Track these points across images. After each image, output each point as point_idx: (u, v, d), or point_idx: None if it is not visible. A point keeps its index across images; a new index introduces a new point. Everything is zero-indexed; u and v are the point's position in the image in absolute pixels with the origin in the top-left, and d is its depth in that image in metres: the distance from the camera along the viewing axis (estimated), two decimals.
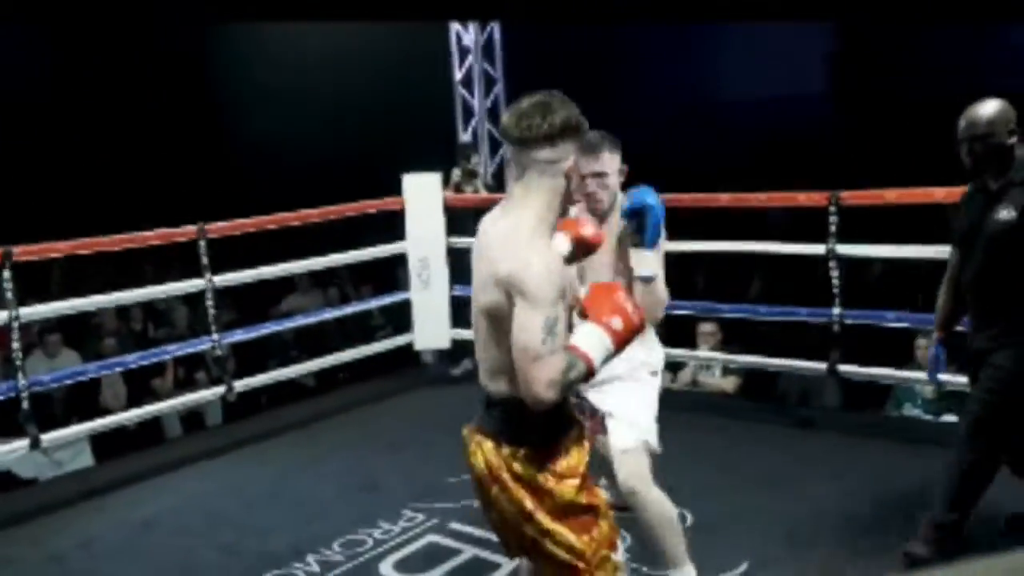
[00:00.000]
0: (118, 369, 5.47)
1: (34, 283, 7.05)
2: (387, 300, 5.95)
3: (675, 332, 5.48)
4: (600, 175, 2.73)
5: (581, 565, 1.97)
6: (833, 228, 4.22)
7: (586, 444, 2.07)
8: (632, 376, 2.81)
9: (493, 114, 6.32)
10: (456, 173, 5.69)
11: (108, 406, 6.18)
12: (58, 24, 10.14)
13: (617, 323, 1.92)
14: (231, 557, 3.50)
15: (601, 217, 2.75)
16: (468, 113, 6.29)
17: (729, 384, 5.37)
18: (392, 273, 7.25)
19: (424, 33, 6.91)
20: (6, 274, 4.03)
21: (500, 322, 1.87)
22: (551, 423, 1.97)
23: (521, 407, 1.89)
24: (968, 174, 2.95)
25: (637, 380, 2.82)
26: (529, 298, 1.81)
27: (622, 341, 1.93)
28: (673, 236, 4.80)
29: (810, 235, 4.48)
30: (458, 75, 6.15)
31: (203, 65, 12.08)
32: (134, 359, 4.99)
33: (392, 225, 5.67)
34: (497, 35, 6.23)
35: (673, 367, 5.64)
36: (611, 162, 2.73)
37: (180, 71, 11.75)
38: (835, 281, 4.28)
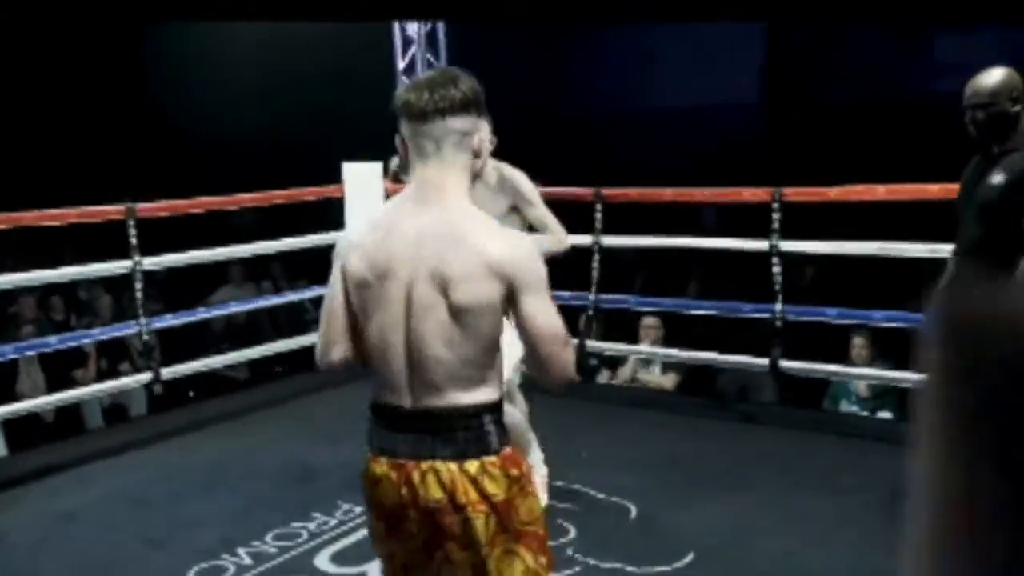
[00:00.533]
0: (37, 351, 5.23)
1: None
2: (321, 291, 5.80)
3: (617, 327, 5.48)
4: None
5: None
6: (776, 224, 4.24)
7: None
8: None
9: None
10: (394, 162, 5.58)
11: (25, 396, 5.89)
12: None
13: None
14: (158, 551, 3.34)
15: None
16: None
17: (669, 381, 5.37)
18: (328, 267, 7.08)
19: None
20: None
21: (482, 317, 1.68)
22: (500, 415, 1.78)
23: (486, 410, 1.73)
24: (972, 143, 2.95)
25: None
26: (541, 288, 1.71)
27: None
28: (616, 231, 4.84)
29: (746, 234, 4.52)
30: (401, 64, 6.05)
31: (141, 50, 11.77)
32: (56, 341, 4.77)
33: (330, 218, 5.55)
34: (441, 25, 6.16)
35: (613, 363, 5.63)
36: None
37: (118, 57, 11.43)
38: (776, 277, 4.30)
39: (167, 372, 4.78)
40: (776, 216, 4.23)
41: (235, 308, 5.88)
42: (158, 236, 4.95)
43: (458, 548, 1.74)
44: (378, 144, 5.62)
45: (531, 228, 3.16)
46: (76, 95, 11.09)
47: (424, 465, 1.72)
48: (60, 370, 6.26)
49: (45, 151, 10.70)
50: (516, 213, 3.15)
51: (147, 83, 11.89)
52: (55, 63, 11.24)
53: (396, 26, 6.14)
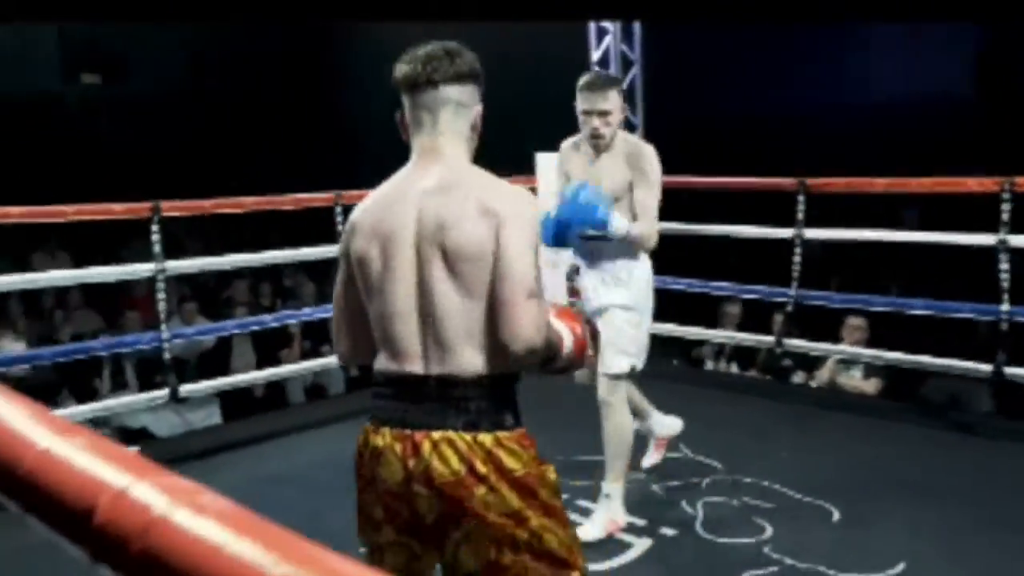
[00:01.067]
0: (252, 329, 5.58)
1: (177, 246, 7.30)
2: None
3: (812, 327, 5.21)
4: (604, 113, 2.99)
5: (573, 559, 1.67)
6: (1006, 216, 3.89)
7: None
8: (616, 300, 3.11)
9: (629, 96, 6.14)
10: None
11: (238, 371, 6.31)
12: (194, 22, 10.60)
13: (569, 339, 1.75)
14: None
15: (602, 151, 3.06)
16: None
17: (871, 386, 5.04)
18: None
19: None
20: (154, 227, 4.12)
21: (480, 262, 1.60)
22: (514, 394, 1.68)
23: (500, 382, 1.62)
24: None
25: (623, 306, 3.11)
26: (526, 231, 1.61)
27: (565, 354, 1.75)
28: (819, 223, 4.61)
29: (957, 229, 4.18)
30: (595, 55, 6.00)
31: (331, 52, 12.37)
32: (270, 319, 5.08)
33: None
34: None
35: (809, 364, 5.36)
36: (615, 100, 2.99)
37: (305, 59, 12.08)
38: (1004, 275, 3.94)
39: None
40: (1007, 208, 3.88)
41: None
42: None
43: (481, 524, 1.59)
44: (571, 133, 5.62)
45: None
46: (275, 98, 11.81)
47: (436, 435, 1.60)
48: (268, 349, 6.68)
49: (253, 143, 11.45)
50: (631, 189, 3.04)
51: (336, 79, 12.50)
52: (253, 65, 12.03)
53: (592, 33, 6.11)
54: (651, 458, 3.74)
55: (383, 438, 1.65)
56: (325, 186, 4.78)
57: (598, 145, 3.05)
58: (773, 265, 5.02)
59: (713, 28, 8.28)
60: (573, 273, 3.27)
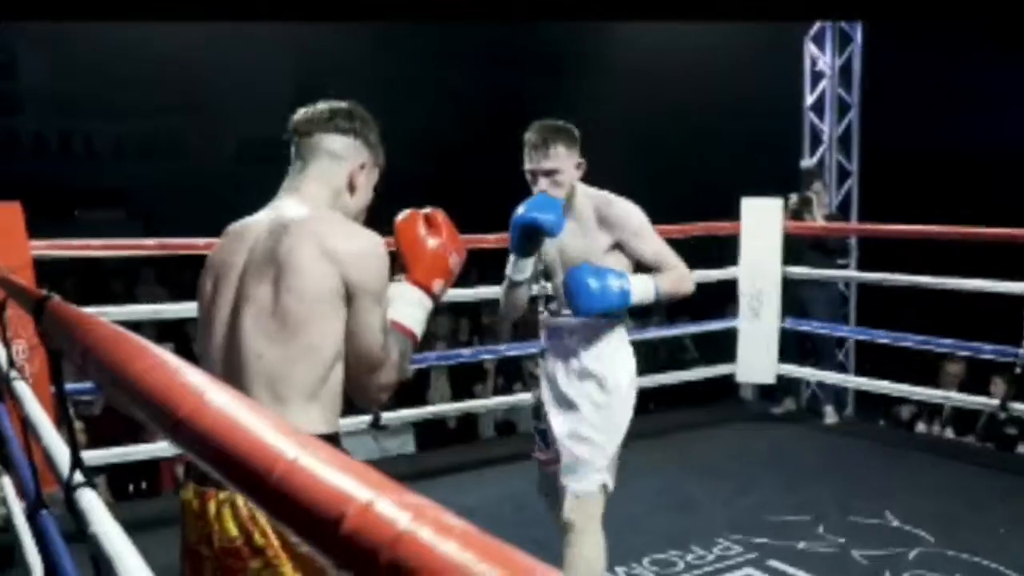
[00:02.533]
0: (449, 362, 5.76)
1: None
2: (711, 326, 5.74)
3: None
4: (550, 172, 2.52)
5: None
6: None
7: None
8: (585, 396, 2.57)
9: (844, 142, 5.92)
10: (793, 199, 5.40)
11: (433, 403, 6.53)
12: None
13: (439, 286, 1.73)
14: (542, 552, 3.45)
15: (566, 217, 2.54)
16: (816, 139, 5.96)
17: None
18: (709, 302, 7.05)
19: (776, 52, 6.68)
20: None
21: (309, 308, 1.50)
22: None
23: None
24: None
25: (594, 404, 2.57)
26: (372, 291, 1.53)
27: (443, 293, 1.74)
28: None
29: None
30: (809, 99, 5.84)
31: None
32: (468, 354, 5.23)
33: (724, 255, 5.50)
34: (857, 60, 5.84)
35: None
36: (564, 158, 2.53)
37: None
38: None
39: None
40: None
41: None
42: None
43: None
44: (779, 180, 5.47)
45: (639, 267, 2.60)
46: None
47: (222, 495, 1.48)
48: (463, 383, 6.88)
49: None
50: (620, 250, 2.58)
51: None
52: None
53: (807, 59, 5.95)
54: None
55: (187, 492, 1.57)
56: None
57: None
58: (1000, 321, 4.66)
59: (936, 74, 7.85)
60: (539, 357, 2.76)
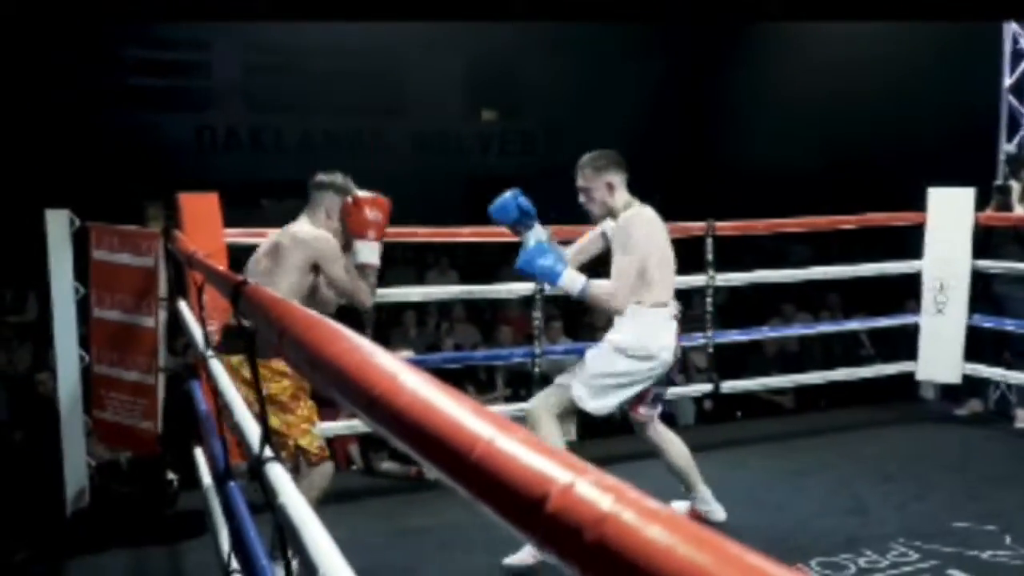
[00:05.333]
0: None
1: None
2: (890, 321, 5.47)
3: None
4: (583, 190, 3.33)
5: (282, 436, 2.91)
6: None
7: None
8: (597, 347, 3.40)
9: None
10: (1017, 189, 5.02)
11: None
12: None
13: (372, 234, 3.21)
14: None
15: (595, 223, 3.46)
16: (1015, 124, 5.53)
17: None
18: (887, 297, 6.71)
19: (970, 34, 6.26)
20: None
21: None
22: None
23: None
24: None
25: (598, 349, 3.38)
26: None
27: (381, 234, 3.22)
28: None
29: None
30: (1007, 80, 5.42)
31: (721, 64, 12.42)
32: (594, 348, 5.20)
33: (906, 246, 5.22)
34: None
35: None
36: (590, 177, 3.31)
37: (697, 72, 12.23)
38: None
39: (727, 386, 4.91)
40: None
41: (795, 331, 5.85)
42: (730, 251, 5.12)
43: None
44: (969, 169, 5.14)
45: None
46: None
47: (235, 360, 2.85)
48: None
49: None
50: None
51: (710, 114, 12.51)
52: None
53: (1007, 38, 5.52)
54: (679, 505, 3.65)
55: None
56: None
57: (594, 219, 3.42)
58: None
59: None
60: None
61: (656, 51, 12.60)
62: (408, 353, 6.50)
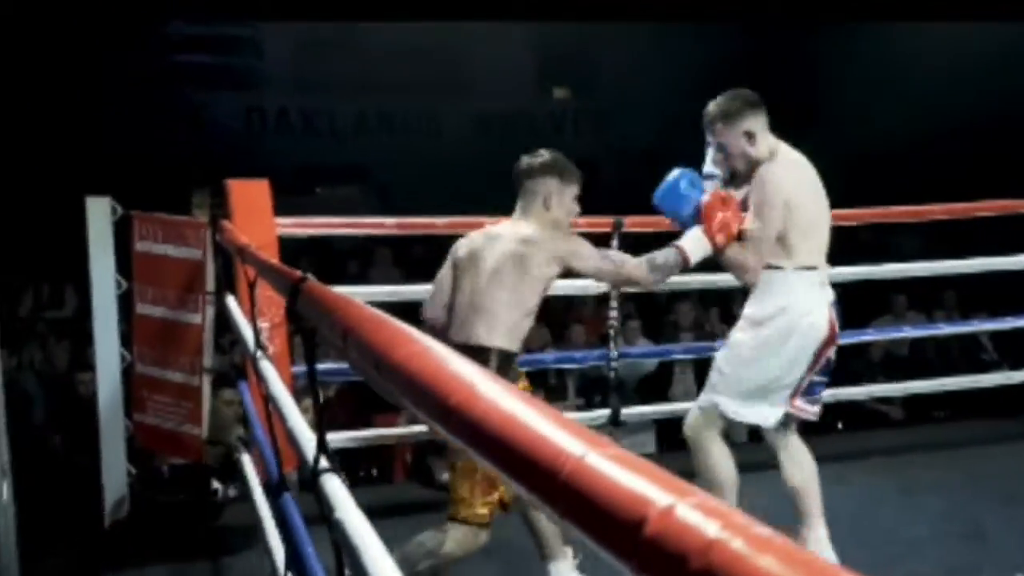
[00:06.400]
0: (695, 356, 5.73)
1: None
2: (1016, 323, 5.32)
3: None
4: (718, 147, 3.16)
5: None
6: None
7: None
8: (726, 344, 3.23)
9: None
10: None
11: (677, 399, 6.49)
12: None
13: (721, 238, 3.04)
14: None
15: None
16: None
17: None
18: (1014, 295, 6.54)
19: None
20: (614, 243, 4.31)
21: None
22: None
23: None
24: None
25: (732, 340, 3.18)
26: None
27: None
28: None
29: None
30: None
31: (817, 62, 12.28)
32: (719, 345, 5.14)
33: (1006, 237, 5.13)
34: None
35: None
36: (726, 132, 3.11)
37: (794, 67, 12.11)
38: None
39: (826, 394, 4.81)
40: None
41: (900, 333, 5.74)
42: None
43: None
44: None
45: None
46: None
47: None
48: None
49: None
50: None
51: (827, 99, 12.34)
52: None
53: None
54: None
55: None
56: None
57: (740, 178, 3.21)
58: None
59: None
60: None
61: (737, 22, 12.50)
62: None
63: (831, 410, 5.90)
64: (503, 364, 2.80)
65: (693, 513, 0.44)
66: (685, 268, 3.07)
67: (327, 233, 4.61)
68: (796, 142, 3.23)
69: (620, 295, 4.54)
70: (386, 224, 4.47)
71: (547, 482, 0.54)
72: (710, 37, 12.79)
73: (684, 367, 6.75)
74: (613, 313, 4.52)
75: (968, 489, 4.25)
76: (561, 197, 2.99)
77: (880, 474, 4.54)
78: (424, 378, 0.81)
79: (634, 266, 3.01)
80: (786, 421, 3.23)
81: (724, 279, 5.27)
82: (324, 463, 1.62)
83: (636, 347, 6.51)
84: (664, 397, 6.29)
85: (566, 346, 6.98)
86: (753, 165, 3.10)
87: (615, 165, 12.36)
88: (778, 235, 3.03)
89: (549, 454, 0.55)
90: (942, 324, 6.49)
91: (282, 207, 4.02)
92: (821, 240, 3.14)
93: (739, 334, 3.14)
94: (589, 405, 6.26)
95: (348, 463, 5.53)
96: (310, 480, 1.61)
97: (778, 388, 3.10)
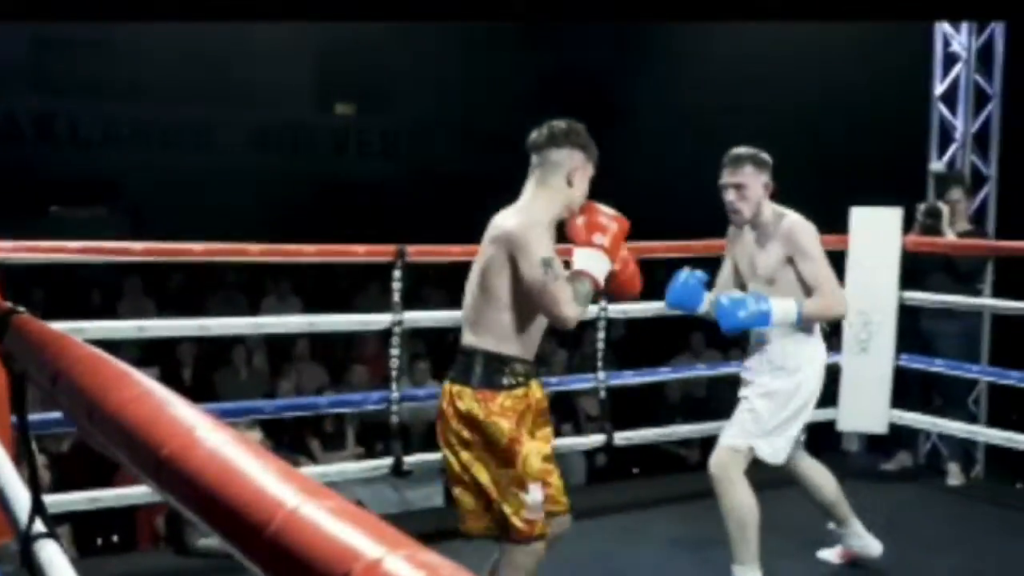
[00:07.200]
0: None
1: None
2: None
3: None
4: (738, 187, 3.59)
5: (493, 494, 2.86)
6: None
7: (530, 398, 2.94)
8: (764, 374, 3.70)
9: (981, 139, 5.82)
10: (921, 208, 5.34)
11: None
12: None
13: (600, 238, 2.93)
14: None
15: (757, 230, 3.70)
16: (946, 137, 5.88)
17: None
18: None
19: (896, 35, 6.65)
20: (396, 273, 4.34)
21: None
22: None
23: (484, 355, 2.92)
24: None
25: (765, 385, 3.68)
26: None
27: (615, 249, 2.97)
28: None
29: None
30: (939, 88, 5.77)
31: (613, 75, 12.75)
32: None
33: None
34: (999, 41, 5.74)
35: None
36: (751, 176, 3.59)
37: (589, 83, 12.52)
38: None
39: (620, 437, 5.00)
40: None
41: (701, 372, 6.02)
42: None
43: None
44: (896, 186, 5.41)
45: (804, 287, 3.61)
46: None
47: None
48: None
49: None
50: (791, 265, 3.62)
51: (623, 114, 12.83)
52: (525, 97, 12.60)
53: (938, 39, 5.87)
54: (828, 554, 4.17)
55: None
56: None
57: (737, 221, 3.71)
58: None
59: None
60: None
61: (544, 43, 12.87)
62: (255, 435, 6.28)
63: (627, 454, 6.13)
64: (491, 368, 2.86)
65: (402, 565, 0.44)
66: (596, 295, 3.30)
67: (56, 259, 4.34)
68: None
69: (404, 332, 4.53)
70: (132, 250, 4.27)
71: (254, 534, 0.52)
72: (517, 50, 13.10)
73: None
74: (395, 352, 4.50)
75: (769, 536, 4.45)
76: (584, 174, 2.96)
77: (678, 523, 4.67)
78: (139, 426, 0.77)
79: (561, 288, 2.83)
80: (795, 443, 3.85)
81: None
82: (40, 527, 1.53)
83: (422, 388, 6.52)
84: None
85: (346, 388, 6.92)
86: (754, 217, 3.65)
87: (405, 188, 12.42)
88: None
89: (260, 506, 0.54)
90: (738, 363, 6.82)
91: (6, 228, 3.80)
92: None
93: (777, 383, 3.65)
94: (371, 454, 6.22)
95: (86, 528, 5.23)
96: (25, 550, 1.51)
97: (801, 424, 3.78)
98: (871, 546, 4.03)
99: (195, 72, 12.67)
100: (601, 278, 2.93)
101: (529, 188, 2.96)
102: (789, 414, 3.67)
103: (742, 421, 3.69)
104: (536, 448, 2.89)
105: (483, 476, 2.84)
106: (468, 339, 2.91)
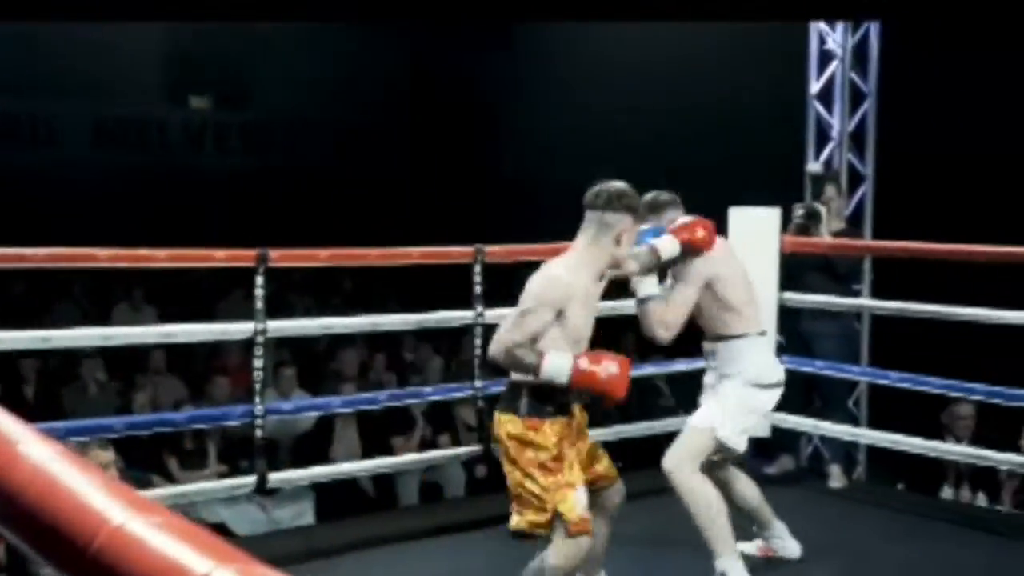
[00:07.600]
0: (361, 408, 5.76)
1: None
2: (688, 365, 5.81)
3: None
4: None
5: (543, 504, 3.31)
6: None
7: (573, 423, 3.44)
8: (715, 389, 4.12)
9: (857, 137, 6.05)
10: (799, 212, 5.52)
11: (339, 460, 6.47)
12: None
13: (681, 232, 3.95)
14: None
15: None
16: (823, 136, 6.08)
17: None
18: (682, 338, 7.09)
19: (774, 33, 6.84)
20: (259, 280, 4.28)
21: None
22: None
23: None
24: None
25: (712, 389, 4.14)
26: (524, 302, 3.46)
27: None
28: None
29: None
30: (815, 87, 5.96)
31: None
32: (385, 398, 5.21)
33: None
34: (874, 39, 5.97)
35: None
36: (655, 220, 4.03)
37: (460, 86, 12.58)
38: None
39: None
40: None
41: None
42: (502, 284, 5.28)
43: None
44: (774, 186, 5.57)
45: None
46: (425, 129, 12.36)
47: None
48: (378, 436, 6.83)
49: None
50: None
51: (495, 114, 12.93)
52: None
53: (813, 37, 6.06)
54: (748, 547, 4.28)
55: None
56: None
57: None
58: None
59: (974, 39, 8.02)
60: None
61: (416, 39, 12.88)
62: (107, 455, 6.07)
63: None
64: (537, 398, 3.34)
65: None
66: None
67: None
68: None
69: (268, 341, 4.47)
70: None
71: (77, 552, 0.51)
72: (377, 41, 13.05)
73: (347, 422, 6.76)
74: (258, 363, 4.42)
75: (646, 540, 4.53)
76: (631, 235, 3.47)
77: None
78: None
79: (510, 329, 3.41)
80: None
81: (395, 320, 5.35)
82: None
83: (288, 401, 6.44)
84: (324, 458, 6.27)
85: (207, 402, 6.78)
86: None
87: (269, 187, 12.22)
88: (706, 302, 4.05)
89: (83, 522, 0.53)
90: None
91: None
92: (755, 305, 4.31)
93: (733, 387, 4.02)
94: (235, 471, 6.10)
95: None
96: None
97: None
98: (790, 547, 4.31)
99: (35, 64, 12.22)
100: (663, 249, 3.80)
101: (581, 243, 3.45)
102: (749, 412, 4.08)
103: (698, 416, 4.05)
104: (574, 455, 3.42)
105: (535, 486, 3.31)
106: (516, 374, 3.39)
